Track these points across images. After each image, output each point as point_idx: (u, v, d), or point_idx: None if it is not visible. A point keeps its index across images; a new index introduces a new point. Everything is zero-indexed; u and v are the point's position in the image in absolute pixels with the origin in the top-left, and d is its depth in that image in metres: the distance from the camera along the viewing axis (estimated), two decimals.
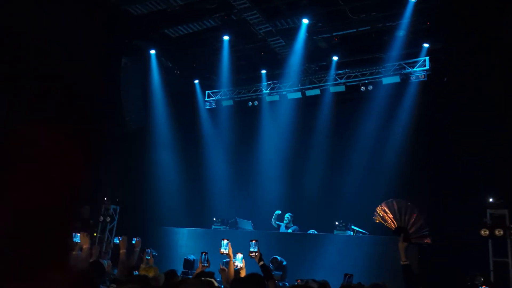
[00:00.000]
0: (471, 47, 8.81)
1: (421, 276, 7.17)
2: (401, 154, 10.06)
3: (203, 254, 4.87)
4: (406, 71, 10.52)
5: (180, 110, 12.62)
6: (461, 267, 7.54)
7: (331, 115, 11.53)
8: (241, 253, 4.63)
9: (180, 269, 9.04)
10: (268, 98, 12.38)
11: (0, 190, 0.94)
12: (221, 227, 10.39)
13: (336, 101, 11.54)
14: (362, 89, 11.06)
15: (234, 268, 4.61)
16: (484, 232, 7.41)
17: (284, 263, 8.34)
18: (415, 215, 5.02)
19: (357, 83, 11.16)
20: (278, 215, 10.26)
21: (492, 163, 8.09)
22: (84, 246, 4.69)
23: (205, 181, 12.64)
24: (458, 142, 9.07)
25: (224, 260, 5.36)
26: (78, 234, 4.81)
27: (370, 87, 10.95)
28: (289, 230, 10.03)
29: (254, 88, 12.58)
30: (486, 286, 5.59)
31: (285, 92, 12.07)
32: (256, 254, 4.51)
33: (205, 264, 4.83)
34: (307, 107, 11.86)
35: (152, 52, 11.81)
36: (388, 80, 10.67)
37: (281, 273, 8.16)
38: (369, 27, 10.20)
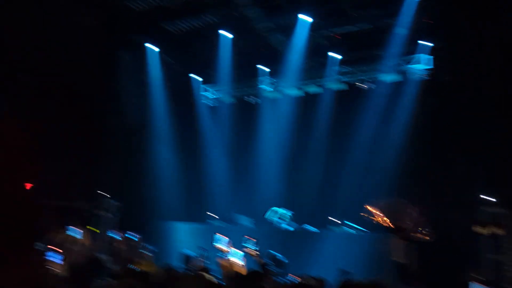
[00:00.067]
0: (471, 45, 8.83)
1: (417, 272, 7.21)
2: (399, 152, 10.08)
3: (201, 250, 4.91)
4: (406, 69, 10.52)
5: (179, 105, 12.61)
6: (456, 264, 7.58)
7: (330, 112, 11.53)
8: (241, 251, 4.67)
9: (178, 264, 9.09)
10: (267, 95, 12.38)
11: None
12: (220, 223, 10.44)
13: (335, 98, 11.54)
14: (362, 87, 11.07)
15: (235, 265, 4.65)
16: (479, 230, 7.46)
17: (283, 259, 8.38)
18: (415, 212, 5.02)
19: (357, 80, 11.17)
20: (274, 211, 10.30)
21: (488, 161, 8.13)
22: (83, 241, 4.72)
23: (203, 177, 12.66)
24: (455, 140, 9.10)
25: (219, 254, 5.40)
26: (77, 229, 4.84)
27: (370, 85, 10.96)
28: (287, 227, 10.10)
29: (254, 85, 12.58)
30: (479, 283, 5.64)
31: (285, 89, 12.07)
32: (256, 252, 4.55)
33: (203, 260, 4.88)
34: (306, 104, 11.86)
35: (152, 47, 11.79)
36: (388, 77, 10.69)
37: (280, 269, 8.20)
38: (369, 25, 10.19)
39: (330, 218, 9.40)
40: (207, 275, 3.26)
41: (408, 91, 10.52)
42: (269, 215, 10.27)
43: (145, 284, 2.86)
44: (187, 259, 9.20)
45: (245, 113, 12.67)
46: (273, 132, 12.45)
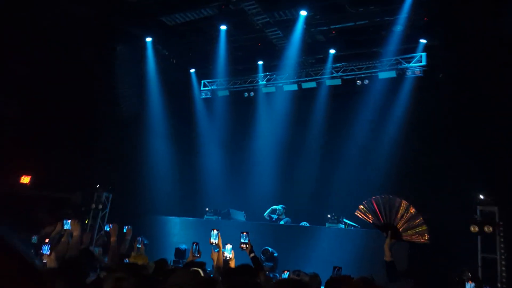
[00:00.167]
0: (468, 44, 8.82)
1: (410, 271, 7.23)
2: (395, 149, 10.10)
3: (194, 245, 4.87)
4: (403, 66, 10.52)
5: (175, 98, 12.57)
6: (450, 263, 7.61)
7: (327, 108, 11.53)
8: (231, 244, 4.64)
9: (171, 258, 9.07)
10: (264, 90, 12.34)
11: None
12: (214, 217, 10.41)
13: (332, 94, 11.53)
14: (358, 83, 11.06)
15: (223, 259, 4.62)
16: (474, 229, 7.48)
17: (275, 254, 8.38)
18: (412, 210, 4.96)
19: (353, 77, 11.16)
20: (273, 209, 10.30)
21: (483, 160, 8.15)
22: (75, 233, 4.67)
23: (198, 171, 12.63)
24: (450, 139, 9.12)
25: (216, 250, 5.37)
26: (69, 221, 4.80)
27: (366, 81, 10.95)
28: (281, 222, 10.08)
29: (250, 79, 12.54)
30: (473, 282, 5.65)
31: (281, 84, 12.04)
32: (247, 245, 4.53)
33: (196, 255, 4.84)
34: (302, 100, 11.84)
35: (148, 39, 11.71)
36: (384, 75, 10.67)
37: (272, 264, 8.20)
38: (367, 21, 10.16)
39: (324, 213, 9.39)
40: (196, 270, 3.23)
41: (405, 88, 10.53)
42: (268, 213, 10.28)
43: (137, 278, 2.82)
44: (181, 253, 9.22)
45: (241, 108, 12.64)
46: (269, 127, 12.44)
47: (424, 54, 10.26)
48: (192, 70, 13.18)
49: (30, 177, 11.47)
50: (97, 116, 11.11)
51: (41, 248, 4.24)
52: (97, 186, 10.77)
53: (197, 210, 11.15)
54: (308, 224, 9.74)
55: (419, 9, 9.32)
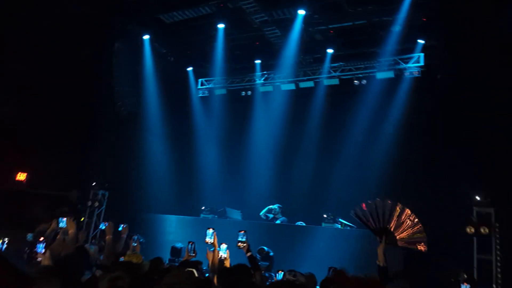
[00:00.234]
0: (466, 45, 8.82)
1: (406, 272, 7.23)
2: (391, 150, 10.10)
3: (190, 244, 4.85)
4: (400, 66, 10.52)
5: (172, 96, 12.52)
6: (446, 264, 7.61)
7: (324, 108, 11.52)
8: (226, 244, 4.62)
9: (167, 256, 9.05)
10: (261, 89, 12.33)
11: None
12: (210, 216, 10.40)
13: (329, 94, 11.51)
14: (355, 83, 11.05)
15: (219, 258, 4.61)
16: (470, 230, 7.49)
17: (271, 253, 8.38)
18: (413, 217, 4.91)
19: (351, 76, 11.16)
20: (269, 209, 10.30)
21: (480, 161, 8.15)
22: (70, 231, 4.64)
23: (195, 169, 12.61)
24: (447, 140, 9.13)
25: (211, 249, 5.35)
26: (64, 219, 4.77)
27: (364, 81, 10.95)
28: (277, 221, 10.08)
29: (248, 78, 12.51)
30: (469, 283, 5.65)
31: (278, 83, 12.02)
32: (244, 245, 4.51)
33: (192, 254, 4.83)
34: (300, 99, 11.83)
35: (146, 37, 11.65)
36: (382, 75, 10.67)
37: (268, 263, 8.20)
38: (365, 21, 10.14)
39: (320, 213, 9.40)
40: (191, 270, 3.22)
41: (402, 88, 10.53)
42: (264, 213, 10.28)
43: (133, 276, 2.81)
44: (177, 251, 9.20)
45: (238, 107, 12.62)
46: (266, 126, 12.42)
47: (422, 54, 10.26)
48: (190, 68, 13.14)
49: (26, 174, 11.42)
50: (94, 114, 11.06)
51: (35, 246, 4.22)
52: (94, 184, 10.72)
53: (193, 209, 11.13)
54: (304, 224, 9.74)
55: (417, 9, 9.32)
